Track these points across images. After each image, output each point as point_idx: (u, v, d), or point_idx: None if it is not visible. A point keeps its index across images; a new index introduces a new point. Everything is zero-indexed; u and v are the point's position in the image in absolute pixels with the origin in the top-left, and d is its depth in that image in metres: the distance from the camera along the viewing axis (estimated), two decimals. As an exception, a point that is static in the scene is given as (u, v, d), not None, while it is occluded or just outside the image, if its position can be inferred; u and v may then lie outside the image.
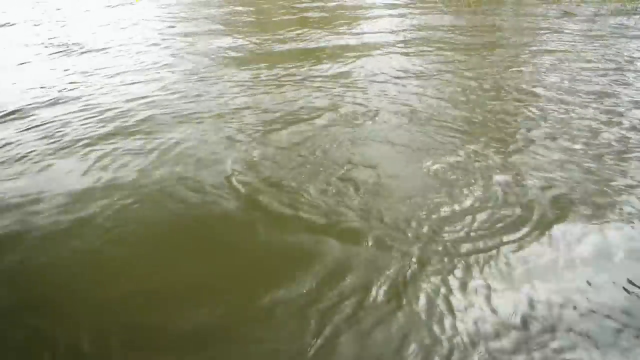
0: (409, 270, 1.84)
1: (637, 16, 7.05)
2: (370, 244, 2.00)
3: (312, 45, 5.68)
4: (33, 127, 3.38)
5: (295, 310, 1.65)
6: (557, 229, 2.10)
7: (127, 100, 3.83)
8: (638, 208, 2.28)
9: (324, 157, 2.79)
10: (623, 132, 3.16)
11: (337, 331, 1.56)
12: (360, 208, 2.25)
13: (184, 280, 1.84)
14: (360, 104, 3.68)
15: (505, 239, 2.03)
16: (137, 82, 4.30)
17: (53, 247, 2.05)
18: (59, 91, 4.12)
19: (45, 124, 3.41)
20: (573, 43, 5.73)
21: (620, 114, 3.46)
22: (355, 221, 2.15)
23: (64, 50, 5.55)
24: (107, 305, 1.73)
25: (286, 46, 5.67)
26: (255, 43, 5.87)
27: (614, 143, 2.99)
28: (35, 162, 2.83)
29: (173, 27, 6.84)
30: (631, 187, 2.46)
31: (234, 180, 2.52)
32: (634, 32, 6.30)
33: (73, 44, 5.86)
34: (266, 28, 6.73)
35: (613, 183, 2.49)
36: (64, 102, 3.86)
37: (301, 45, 5.70)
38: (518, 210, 2.25)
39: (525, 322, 1.63)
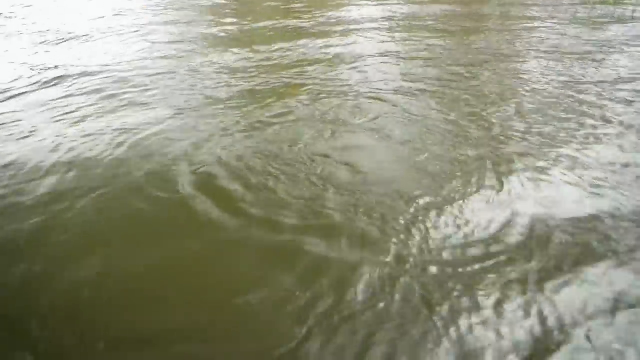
0: (387, 268, 1.75)
1: (621, 9, 7.14)
2: (346, 241, 1.90)
3: (296, 32, 5.68)
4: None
5: (270, 310, 1.58)
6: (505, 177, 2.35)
7: (105, 86, 3.81)
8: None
9: (297, 144, 2.68)
10: (583, 107, 3.26)
11: (312, 331, 1.49)
12: (336, 201, 2.14)
13: (156, 278, 1.75)
14: (339, 90, 3.67)
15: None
16: (120, 70, 4.27)
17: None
18: (38, 77, 4.09)
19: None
20: (553, 29, 5.80)
21: (582, 92, 3.56)
22: (331, 216, 2.04)
23: (47, 40, 5.48)
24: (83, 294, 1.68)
25: (269, 33, 5.67)
26: (239, 30, 5.86)
27: (572, 115, 3.14)
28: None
29: (157, 16, 6.80)
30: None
31: (200, 172, 2.40)
32: (610, 20, 6.39)
33: (56, 32, 5.80)
34: (249, 16, 6.72)
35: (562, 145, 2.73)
36: (45, 87, 3.83)
37: (284, 32, 5.70)
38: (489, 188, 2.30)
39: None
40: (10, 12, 7.18)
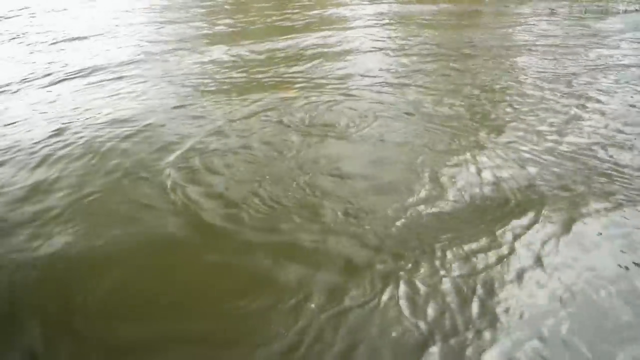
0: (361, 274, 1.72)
1: (613, 3, 7.19)
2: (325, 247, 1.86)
3: (288, 31, 5.74)
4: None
5: (243, 322, 1.56)
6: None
7: (102, 83, 3.88)
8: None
9: (285, 149, 2.60)
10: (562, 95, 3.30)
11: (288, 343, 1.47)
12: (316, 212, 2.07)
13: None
14: (329, 88, 3.66)
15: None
16: (115, 70, 4.33)
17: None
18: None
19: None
20: (545, 24, 5.85)
21: (570, 84, 3.60)
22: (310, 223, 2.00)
23: (47, 41, 5.55)
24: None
25: (261, 33, 5.74)
26: (232, 30, 5.93)
27: (558, 106, 3.16)
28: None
29: (154, 17, 6.89)
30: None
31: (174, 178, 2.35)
32: (603, 15, 6.43)
33: (54, 33, 5.87)
34: (243, 17, 6.79)
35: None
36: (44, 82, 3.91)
37: (277, 31, 5.76)
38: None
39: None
40: (9, 16, 7.27)
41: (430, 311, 1.55)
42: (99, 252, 1.87)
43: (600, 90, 3.44)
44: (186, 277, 1.76)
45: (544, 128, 2.84)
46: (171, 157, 2.53)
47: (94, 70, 4.28)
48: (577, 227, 1.94)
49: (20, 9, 7.78)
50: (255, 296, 1.62)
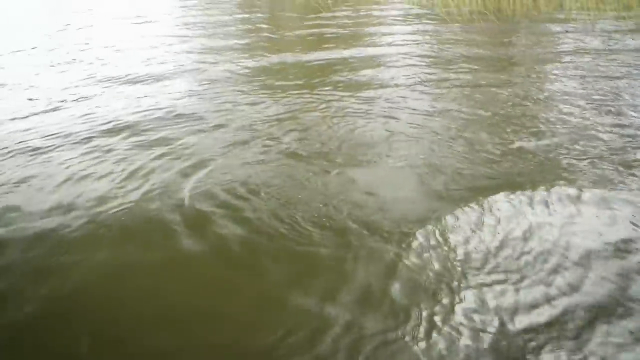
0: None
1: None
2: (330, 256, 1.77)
3: (322, 45, 5.82)
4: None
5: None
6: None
7: (143, 91, 3.99)
8: None
9: (306, 177, 2.37)
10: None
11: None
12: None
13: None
14: (355, 109, 3.41)
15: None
16: (157, 79, 4.44)
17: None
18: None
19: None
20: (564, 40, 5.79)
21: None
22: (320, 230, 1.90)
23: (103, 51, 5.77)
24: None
25: (296, 47, 5.83)
26: (269, 41, 6.07)
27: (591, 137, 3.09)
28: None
29: (192, 32, 7.11)
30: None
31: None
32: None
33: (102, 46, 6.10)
34: (282, 33, 6.94)
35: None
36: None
37: (311, 45, 5.85)
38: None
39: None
40: (50, 32, 7.62)
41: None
42: (128, 259, 1.81)
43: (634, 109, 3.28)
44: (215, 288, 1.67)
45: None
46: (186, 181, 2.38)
47: (132, 79, 4.40)
48: None
49: (65, 25, 8.18)
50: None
